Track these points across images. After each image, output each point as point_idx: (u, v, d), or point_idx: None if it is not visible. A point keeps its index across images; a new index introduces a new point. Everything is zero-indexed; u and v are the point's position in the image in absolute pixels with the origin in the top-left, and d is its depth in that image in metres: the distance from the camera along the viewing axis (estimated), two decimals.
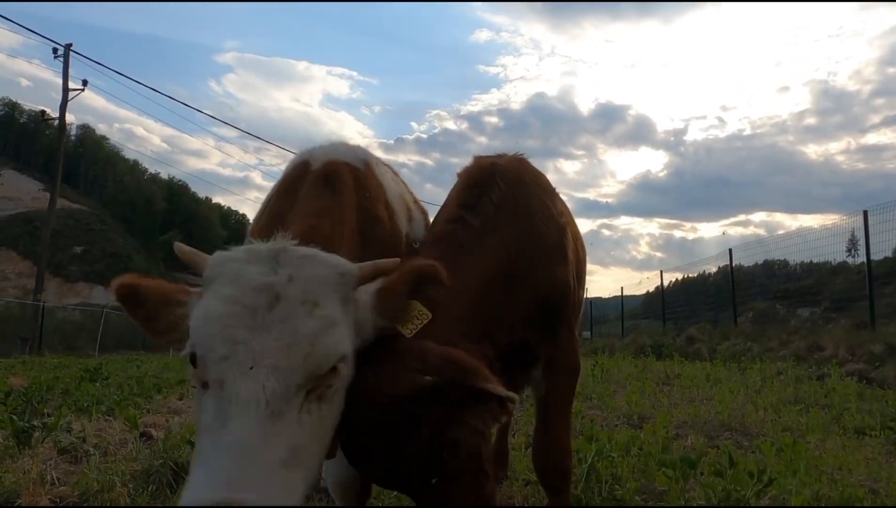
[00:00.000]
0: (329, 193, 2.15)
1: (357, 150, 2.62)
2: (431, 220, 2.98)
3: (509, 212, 2.40)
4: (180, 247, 1.63)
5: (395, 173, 3.07)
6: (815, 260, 20.06)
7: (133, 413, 5.36)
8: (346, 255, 1.90)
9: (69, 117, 30.68)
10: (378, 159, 2.84)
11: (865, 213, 13.86)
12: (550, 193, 2.73)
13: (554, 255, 2.50)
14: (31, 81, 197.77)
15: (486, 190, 2.42)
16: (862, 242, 14.08)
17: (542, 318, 2.42)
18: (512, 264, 2.30)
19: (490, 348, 2.18)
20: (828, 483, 3.49)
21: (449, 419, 1.62)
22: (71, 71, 28.02)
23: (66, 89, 28.22)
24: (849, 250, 16.94)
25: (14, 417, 4.54)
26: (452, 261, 2.13)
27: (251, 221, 2.73)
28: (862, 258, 14.58)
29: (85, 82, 29.44)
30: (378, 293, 1.68)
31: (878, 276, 14.88)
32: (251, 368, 1.32)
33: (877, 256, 14.42)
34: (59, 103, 28.47)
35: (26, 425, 4.27)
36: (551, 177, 3.37)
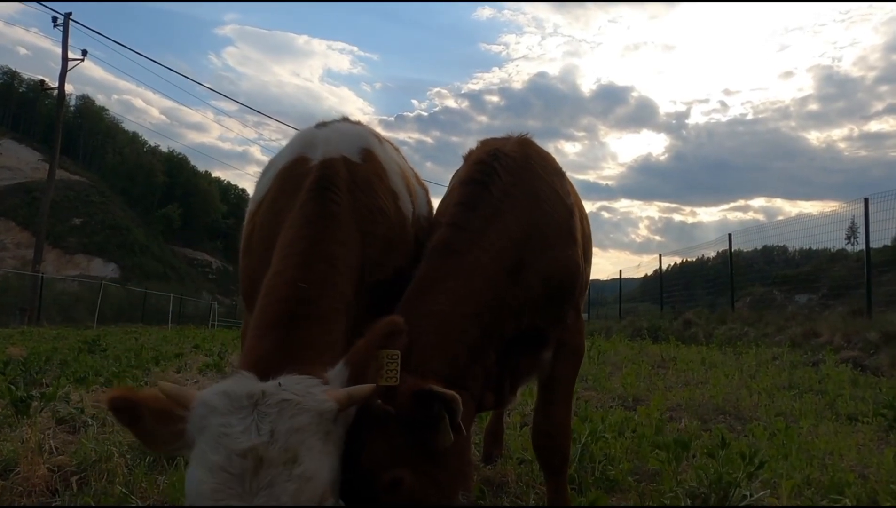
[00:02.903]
0: (324, 206, 2.15)
1: (358, 135, 2.58)
2: (432, 201, 2.98)
3: (515, 199, 2.39)
4: (163, 386, 1.64)
5: (397, 150, 3.05)
6: (814, 247, 20.11)
7: (131, 385, 5.40)
8: (348, 267, 2.07)
9: (68, 88, 30.52)
10: (380, 136, 2.82)
11: (866, 201, 13.82)
12: (557, 174, 2.70)
13: (562, 238, 2.49)
14: (30, 50, 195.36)
15: (487, 184, 2.40)
16: (861, 229, 14.09)
17: (553, 302, 2.42)
18: (520, 251, 2.31)
19: (493, 355, 2.23)
20: (818, 468, 3.52)
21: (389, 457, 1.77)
22: (70, 40, 27.75)
23: (65, 59, 27.95)
24: (848, 238, 16.93)
25: (13, 386, 4.57)
26: (454, 270, 2.20)
27: (246, 212, 2.69)
28: (861, 246, 14.61)
29: (85, 52, 29.20)
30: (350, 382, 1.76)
31: (877, 264, 14.89)
32: None
33: (876, 244, 14.46)
34: (57, 73, 28.24)
35: (25, 394, 4.30)
36: None
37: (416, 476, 1.80)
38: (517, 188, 2.43)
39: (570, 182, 3.05)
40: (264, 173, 2.66)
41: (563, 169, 2.86)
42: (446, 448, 1.83)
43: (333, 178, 2.23)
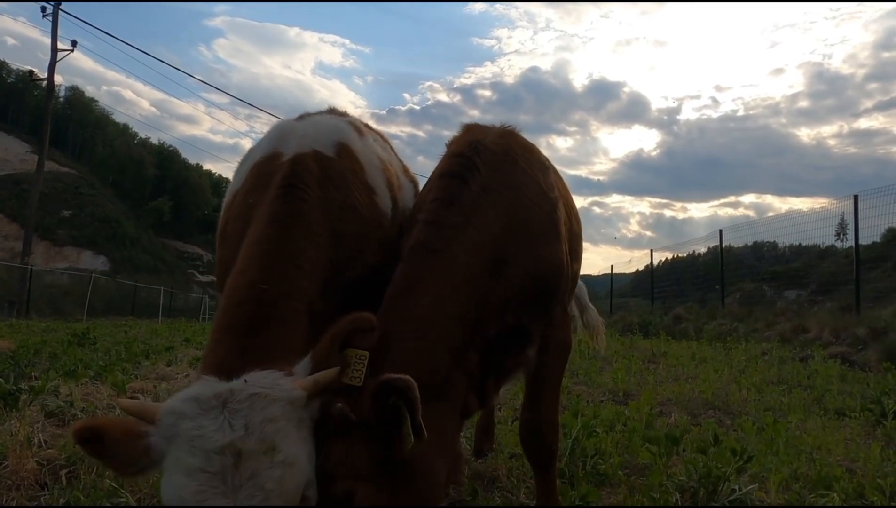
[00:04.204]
0: (290, 204, 2.13)
1: (334, 129, 2.53)
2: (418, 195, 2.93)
3: (495, 194, 2.31)
4: (123, 403, 1.63)
5: (386, 142, 3.03)
6: (803, 243, 20.27)
7: (121, 379, 5.38)
8: (314, 266, 2.03)
9: (57, 78, 30.16)
10: (363, 128, 2.76)
11: (856, 197, 13.92)
12: (541, 167, 2.60)
13: (546, 233, 2.41)
14: (18, 40, 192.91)
15: (466, 178, 2.31)
16: (851, 226, 14.19)
17: (537, 298, 2.37)
18: (501, 248, 2.24)
19: (475, 356, 2.15)
20: (806, 462, 3.56)
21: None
22: (59, 31, 27.48)
23: (54, 49, 27.68)
24: (837, 235, 17.05)
25: (1, 380, 4.54)
26: (433, 270, 2.11)
27: (223, 202, 2.66)
28: (850, 243, 14.72)
29: (74, 43, 28.91)
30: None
31: (866, 260, 15.02)
32: None
33: (865, 240, 14.56)
34: (46, 64, 27.97)
35: (13, 387, 4.27)
36: (544, 153, 3.33)
37: (371, 489, 1.70)
38: (498, 182, 2.35)
39: (557, 175, 3.00)
40: (242, 164, 2.63)
41: (553, 163, 2.80)
42: (412, 461, 1.76)
43: (302, 174, 2.20)
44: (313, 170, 2.24)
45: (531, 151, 2.64)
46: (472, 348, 2.15)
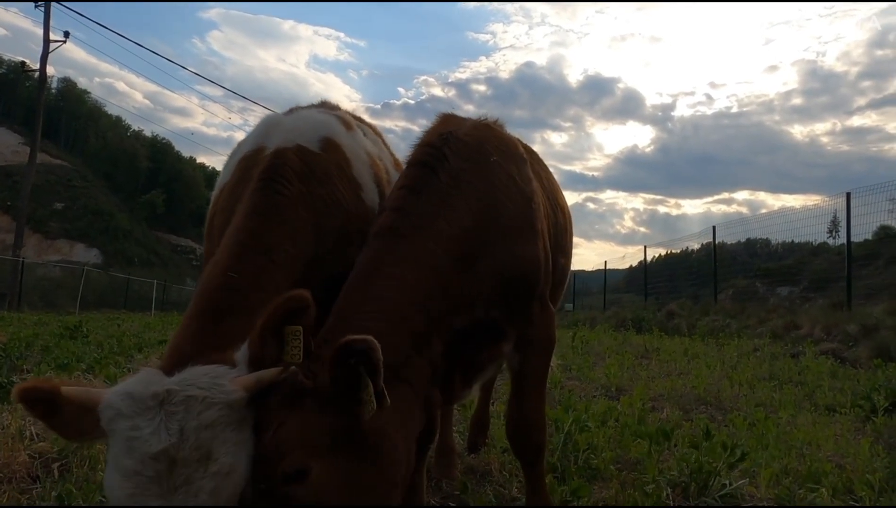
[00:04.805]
0: (269, 198, 2.14)
1: (320, 124, 2.53)
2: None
3: (466, 185, 2.24)
4: (68, 391, 1.60)
5: (378, 136, 3.03)
6: (796, 240, 20.35)
7: (113, 372, 5.36)
8: (289, 259, 2.04)
9: (50, 70, 30.02)
10: (352, 123, 2.76)
11: (848, 195, 14.00)
12: (516, 159, 2.51)
13: (520, 229, 2.35)
14: (10, 31, 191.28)
15: (435, 168, 2.24)
16: (843, 224, 14.28)
17: (508, 296, 2.31)
18: (470, 241, 2.18)
19: (440, 346, 2.10)
20: (797, 458, 3.58)
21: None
22: (52, 21, 27.27)
23: (46, 40, 27.50)
24: (830, 232, 17.14)
25: None
26: (399, 255, 2.06)
27: (210, 201, 2.67)
28: (842, 240, 14.80)
29: (67, 34, 28.71)
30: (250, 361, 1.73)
31: (857, 258, 15.10)
32: None
33: (857, 238, 14.66)
34: (39, 55, 27.77)
35: (5, 380, 4.26)
36: (538, 148, 3.29)
37: (327, 465, 1.59)
38: (469, 174, 2.28)
39: (544, 169, 2.96)
40: (231, 158, 2.64)
41: (548, 159, 2.79)
42: (371, 435, 1.68)
43: (282, 168, 2.21)
44: (294, 164, 2.25)
45: (507, 144, 2.56)
46: (437, 336, 2.09)
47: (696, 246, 25.19)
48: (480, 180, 2.30)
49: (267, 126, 2.53)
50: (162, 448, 1.48)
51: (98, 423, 1.56)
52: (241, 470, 1.56)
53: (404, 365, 1.93)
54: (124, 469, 1.48)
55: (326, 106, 3.02)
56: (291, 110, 2.77)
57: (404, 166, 2.45)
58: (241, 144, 2.65)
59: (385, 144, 3.10)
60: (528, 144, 3.14)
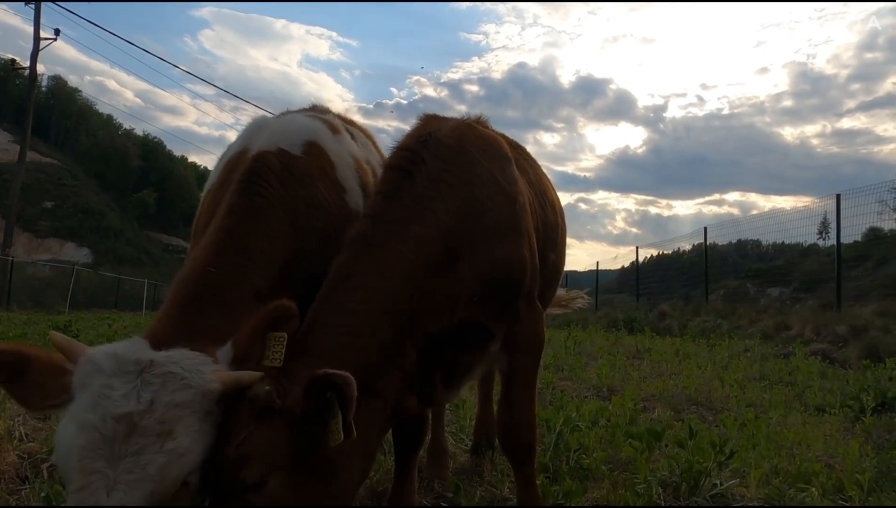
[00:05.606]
0: (247, 199, 2.17)
1: (305, 128, 2.55)
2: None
3: (445, 187, 2.23)
4: (54, 336, 1.65)
5: (370, 137, 3.04)
6: (787, 241, 20.51)
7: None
8: (267, 259, 2.07)
9: (40, 68, 29.80)
10: (340, 127, 2.77)
11: (838, 197, 14.09)
12: (499, 159, 2.48)
13: (503, 228, 2.33)
14: None
15: (411, 172, 2.23)
16: (833, 225, 14.37)
17: (493, 297, 2.30)
18: (450, 243, 2.17)
19: (413, 354, 2.10)
20: (787, 458, 3.61)
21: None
22: (42, 19, 27.10)
23: (37, 38, 27.31)
24: (820, 233, 17.27)
25: None
26: (370, 264, 2.06)
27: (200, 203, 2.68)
28: (832, 241, 14.91)
29: (57, 32, 28.51)
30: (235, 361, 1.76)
31: (847, 259, 15.21)
32: (107, 494, 1.45)
33: (847, 239, 14.76)
34: (29, 52, 27.58)
35: None
36: (531, 148, 3.30)
37: (286, 480, 1.65)
38: (448, 174, 2.26)
39: (532, 165, 2.95)
40: (220, 160, 2.69)
41: (540, 160, 2.79)
42: (330, 457, 1.73)
43: (261, 171, 2.24)
44: (274, 166, 2.27)
45: (490, 143, 2.52)
46: (410, 344, 2.09)
47: (687, 247, 25.35)
48: (460, 182, 2.28)
49: (253, 129, 2.57)
50: (127, 411, 1.49)
51: (64, 389, 1.57)
52: (193, 457, 1.57)
53: (372, 379, 1.93)
54: (83, 421, 1.49)
55: (317, 110, 3.06)
56: (282, 114, 2.79)
57: (384, 170, 2.43)
58: (229, 146, 2.69)
59: (376, 146, 3.12)
60: (520, 143, 3.15)
